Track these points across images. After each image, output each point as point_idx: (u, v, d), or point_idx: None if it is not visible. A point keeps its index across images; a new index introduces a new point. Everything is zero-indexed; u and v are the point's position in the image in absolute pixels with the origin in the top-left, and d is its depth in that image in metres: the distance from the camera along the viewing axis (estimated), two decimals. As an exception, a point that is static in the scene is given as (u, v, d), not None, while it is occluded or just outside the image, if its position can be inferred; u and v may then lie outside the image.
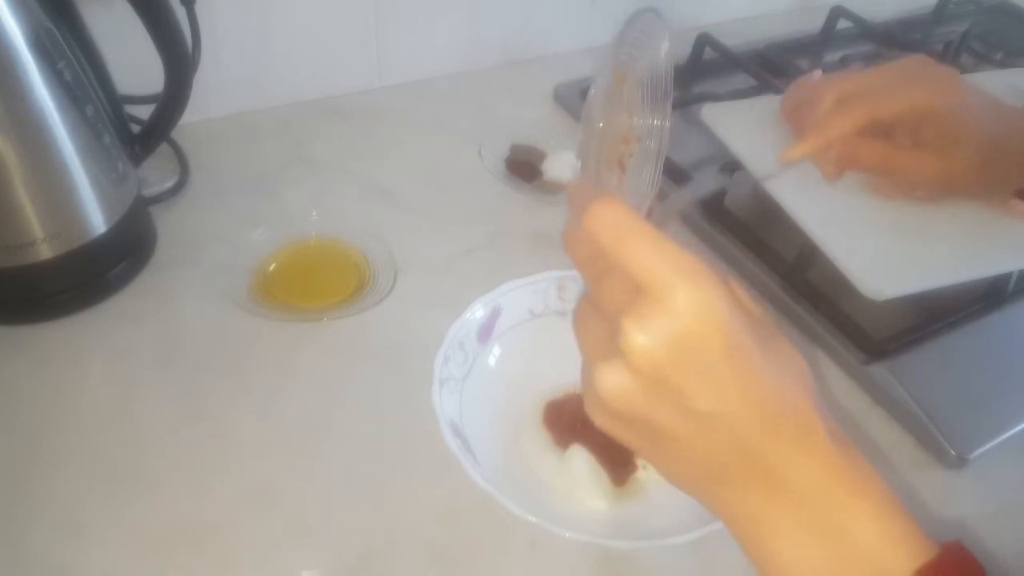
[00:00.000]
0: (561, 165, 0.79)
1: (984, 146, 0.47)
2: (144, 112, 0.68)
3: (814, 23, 1.08)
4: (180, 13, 0.63)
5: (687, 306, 0.28)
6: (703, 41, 0.96)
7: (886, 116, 0.47)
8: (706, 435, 0.31)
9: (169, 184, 0.73)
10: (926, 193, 0.49)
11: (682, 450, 0.32)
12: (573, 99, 0.91)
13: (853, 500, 0.31)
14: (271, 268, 0.67)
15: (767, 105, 0.81)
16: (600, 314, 0.32)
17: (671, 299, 0.28)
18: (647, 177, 0.40)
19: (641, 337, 0.28)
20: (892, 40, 1.05)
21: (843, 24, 1.07)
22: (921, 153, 0.47)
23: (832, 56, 1.01)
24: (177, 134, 0.71)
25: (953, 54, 1.04)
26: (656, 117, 0.39)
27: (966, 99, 0.48)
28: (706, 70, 0.97)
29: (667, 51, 0.38)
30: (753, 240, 0.73)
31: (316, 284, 0.67)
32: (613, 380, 0.30)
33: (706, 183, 0.48)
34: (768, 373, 0.31)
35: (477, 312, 0.58)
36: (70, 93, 0.56)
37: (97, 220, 0.61)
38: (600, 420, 0.32)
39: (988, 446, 0.58)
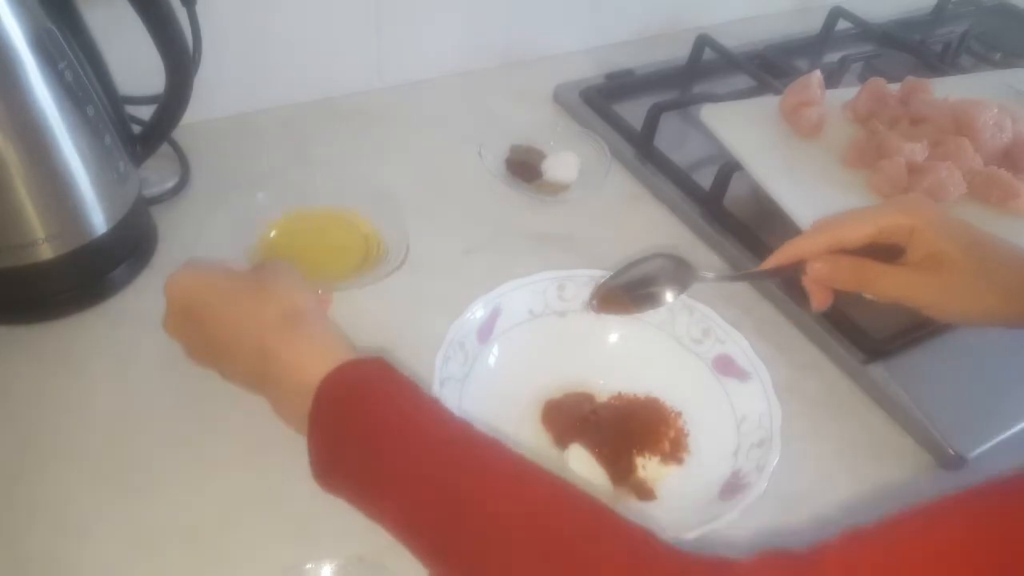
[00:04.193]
0: (561, 165, 0.79)
1: (972, 255, 0.47)
2: (145, 112, 0.68)
3: (813, 24, 1.08)
4: (180, 13, 0.63)
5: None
6: (703, 42, 0.96)
7: (853, 238, 0.49)
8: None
9: (170, 184, 0.73)
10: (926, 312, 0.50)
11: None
12: (573, 100, 0.91)
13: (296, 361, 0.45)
14: (271, 236, 0.63)
15: (767, 105, 0.82)
16: None
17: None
18: None
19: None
20: (891, 41, 1.05)
21: (842, 25, 1.07)
22: (905, 268, 0.48)
23: (831, 57, 1.01)
24: (178, 134, 0.71)
25: (952, 54, 1.04)
26: None
27: (943, 216, 0.49)
28: (706, 71, 0.97)
29: None
30: (753, 240, 0.73)
31: (320, 256, 0.63)
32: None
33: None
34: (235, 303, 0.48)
35: (477, 312, 0.58)
36: (71, 93, 0.56)
37: (98, 220, 0.61)
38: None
39: (987, 446, 0.58)
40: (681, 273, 0.54)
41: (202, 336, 0.49)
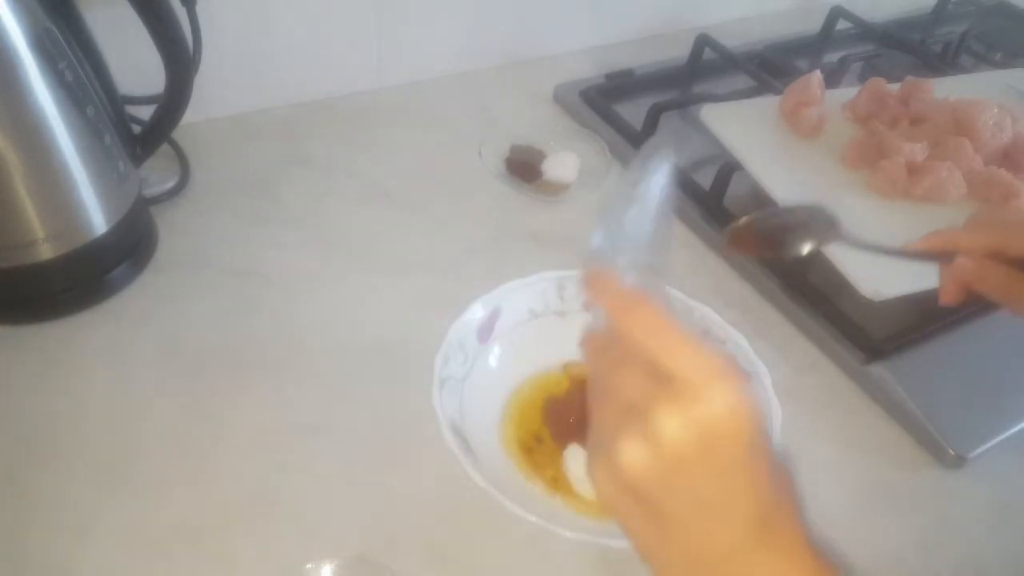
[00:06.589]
0: (561, 165, 0.79)
1: None
2: (145, 112, 0.68)
3: (813, 23, 1.08)
4: (180, 13, 0.63)
5: (722, 406, 0.31)
6: (703, 42, 0.96)
7: (1018, 247, 0.46)
8: (706, 526, 0.33)
9: (170, 184, 0.73)
10: None
11: (679, 538, 0.33)
12: (573, 100, 0.91)
13: None
14: None
15: (767, 105, 0.82)
16: (617, 397, 0.34)
17: (708, 397, 0.31)
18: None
19: (674, 424, 0.31)
20: (891, 41, 1.05)
21: (842, 25, 1.07)
22: None
23: (831, 56, 1.01)
24: (178, 134, 0.71)
25: (952, 55, 1.04)
26: None
27: None
28: (706, 70, 0.97)
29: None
30: (753, 240, 0.73)
31: None
32: (637, 455, 0.32)
33: None
34: (772, 481, 0.33)
35: (477, 312, 0.58)
36: (71, 93, 0.56)
37: (98, 220, 0.61)
38: (608, 490, 0.34)
39: (987, 446, 0.58)
40: (823, 228, 0.49)
41: (659, 515, 0.33)
